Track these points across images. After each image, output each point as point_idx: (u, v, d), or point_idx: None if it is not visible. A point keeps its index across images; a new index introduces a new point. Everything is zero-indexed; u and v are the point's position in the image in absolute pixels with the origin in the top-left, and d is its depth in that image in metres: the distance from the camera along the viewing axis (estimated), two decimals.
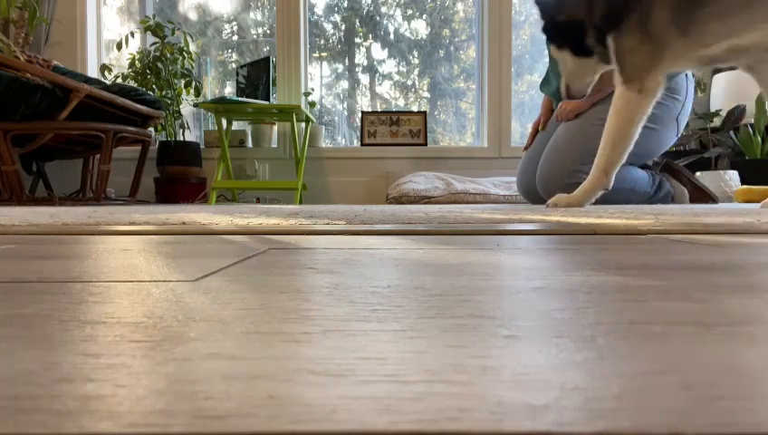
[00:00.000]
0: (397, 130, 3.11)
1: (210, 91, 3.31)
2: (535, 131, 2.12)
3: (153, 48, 2.85)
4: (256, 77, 2.89)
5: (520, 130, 3.26)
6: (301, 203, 2.64)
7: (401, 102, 3.56)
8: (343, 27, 3.61)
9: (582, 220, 0.83)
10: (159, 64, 2.81)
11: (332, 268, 0.38)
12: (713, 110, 2.81)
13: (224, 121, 2.79)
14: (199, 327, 0.22)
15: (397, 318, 0.23)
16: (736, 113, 2.60)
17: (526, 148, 2.11)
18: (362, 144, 3.11)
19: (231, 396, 0.14)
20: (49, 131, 2.23)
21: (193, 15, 3.56)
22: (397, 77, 3.64)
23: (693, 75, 1.90)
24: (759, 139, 2.58)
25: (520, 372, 0.16)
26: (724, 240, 0.60)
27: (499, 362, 0.17)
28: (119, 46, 2.89)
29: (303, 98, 3.14)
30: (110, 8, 3.42)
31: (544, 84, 2.06)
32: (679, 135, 1.93)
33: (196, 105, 3.03)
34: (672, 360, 0.17)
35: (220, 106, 2.66)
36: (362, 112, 3.14)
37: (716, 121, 2.73)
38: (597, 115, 1.79)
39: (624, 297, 0.27)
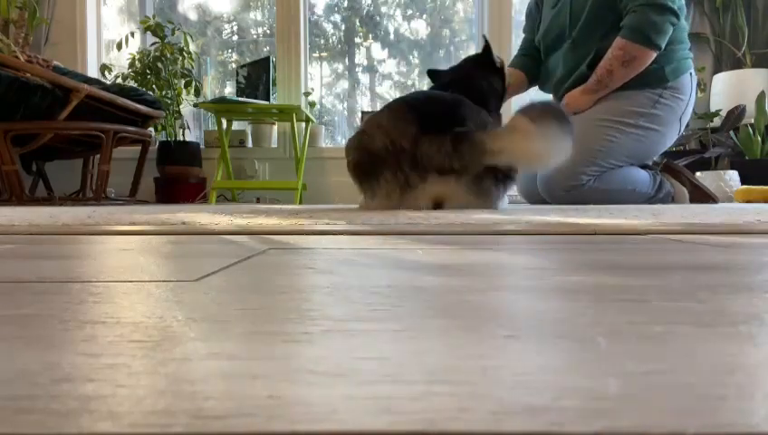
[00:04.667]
0: None
1: (210, 91, 3.31)
2: None
3: (153, 48, 2.85)
4: (256, 77, 2.89)
5: None
6: (301, 203, 2.64)
7: None
8: (343, 27, 3.61)
9: (582, 220, 0.83)
10: (159, 64, 2.81)
11: (332, 268, 0.38)
12: (713, 110, 2.80)
13: (224, 121, 2.79)
14: (199, 327, 0.22)
15: (397, 318, 0.23)
16: (736, 113, 2.60)
17: None
18: None
19: (231, 396, 0.14)
20: (49, 131, 2.23)
21: (193, 15, 3.56)
22: (397, 77, 3.64)
23: (696, 73, 1.89)
24: (759, 139, 2.58)
25: (519, 372, 0.16)
26: (724, 240, 0.60)
27: (499, 362, 0.17)
28: (119, 46, 2.89)
29: (303, 98, 3.14)
30: (110, 8, 3.42)
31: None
32: (681, 133, 1.92)
33: (196, 105, 3.03)
34: (672, 360, 0.17)
35: (220, 106, 2.66)
36: (362, 112, 3.14)
37: (716, 121, 2.73)
38: (598, 116, 1.78)
39: (624, 297, 0.27)
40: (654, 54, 1.69)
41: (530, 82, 2.05)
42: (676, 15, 1.66)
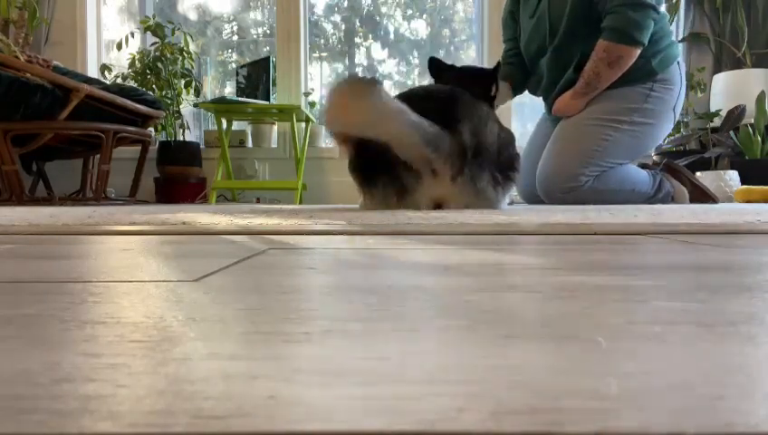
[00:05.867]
0: None
1: (210, 91, 3.31)
2: None
3: (153, 48, 2.85)
4: (256, 77, 2.89)
5: (520, 130, 3.26)
6: (301, 203, 2.64)
7: None
8: (343, 27, 3.61)
9: (582, 220, 0.83)
10: (159, 64, 2.81)
11: (332, 268, 0.38)
12: (713, 110, 2.80)
13: (224, 121, 2.79)
14: (199, 327, 0.22)
15: (397, 318, 0.23)
16: (736, 113, 2.60)
17: None
18: None
19: (231, 396, 0.14)
20: (49, 131, 2.23)
21: (193, 15, 3.56)
22: (397, 77, 3.64)
23: (687, 64, 1.88)
24: (759, 139, 2.58)
25: (519, 371, 0.16)
26: (724, 240, 0.60)
27: (499, 362, 0.17)
28: (119, 46, 2.89)
29: (303, 98, 3.14)
30: (110, 8, 3.42)
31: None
32: (675, 122, 1.91)
33: (196, 105, 3.03)
34: (672, 360, 0.17)
35: (220, 106, 2.66)
36: None
37: (716, 121, 2.73)
38: (592, 116, 1.78)
39: (624, 297, 0.27)
40: (638, 51, 1.68)
41: (514, 91, 2.04)
42: (655, 9, 1.65)
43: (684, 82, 1.85)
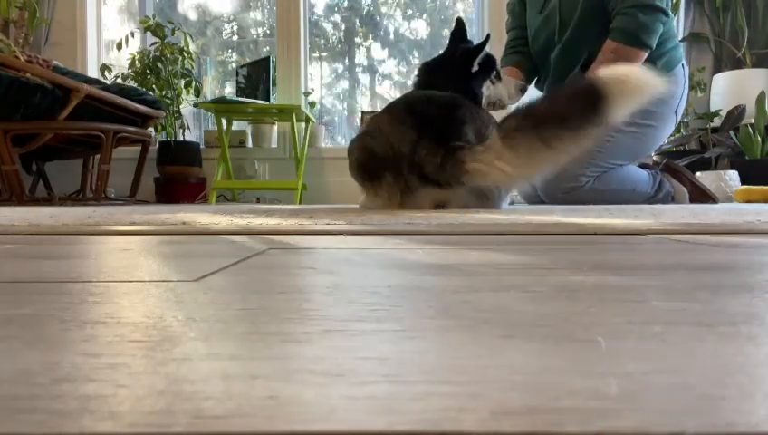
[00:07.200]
0: None
1: (210, 91, 3.31)
2: None
3: (153, 48, 2.85)
4: (256, 77, 2.89)
5: None
6: (301, 203, 2.64)
7: None
8: (343, 27, 3.62)
9: (582, 220, 0.83)
10: (159, 64, 2.81)
11: (332, 268, 0.38)
12: (713, 110, 2.80)
13: (224, 121, 2.79)
14: (199, 327, 0.22)
15: (396, 318, 0.23)
16: (736, 113, 2.60)
17: None
18: None
19: (231, 396, 0.14)
20: (49, 131, 2.23)
21: (193, 15, 3.56)
22: (397, 77, 3.64)
23: (687, 64, 1.88)
24: (759, 139, 2.58)
25: (519, 372, 0.16)
26: (724, 240, 0.60)
27: (499, 362, 0.17)
28: (119, 46, 2.89)
29: (303, 98, 3.14)
30: (110, 8, 3.43)
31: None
32: (677, 124, 1.91)
33: (196, 105, 3.03)
34: (672, 360, 0.17)
35: (220, 106, 2.66)
36: (362, 112, 3.14)
37: (716, 121, 2.73)
38: None
39: (624, 297, 0.27)
40: (645, 55, 1.68)
41: (528, 78, 2.00)
42: (666, 13, 1.65)
43: (687, 85, 1.85)
